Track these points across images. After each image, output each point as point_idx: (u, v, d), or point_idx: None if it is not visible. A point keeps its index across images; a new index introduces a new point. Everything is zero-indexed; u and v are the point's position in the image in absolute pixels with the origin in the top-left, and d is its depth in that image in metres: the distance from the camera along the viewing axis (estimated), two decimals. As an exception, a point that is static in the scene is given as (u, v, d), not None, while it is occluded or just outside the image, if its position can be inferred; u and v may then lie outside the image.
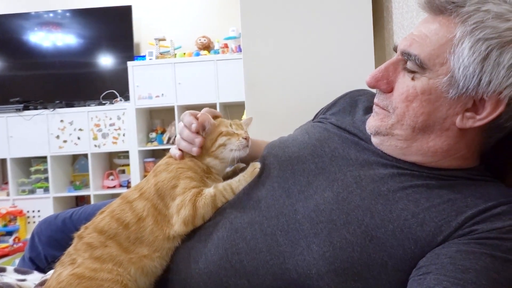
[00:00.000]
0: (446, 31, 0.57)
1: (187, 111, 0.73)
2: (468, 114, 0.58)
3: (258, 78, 1.20)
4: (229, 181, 0.68)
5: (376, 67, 1.16)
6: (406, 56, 0.60)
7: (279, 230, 0.60)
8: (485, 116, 0.56)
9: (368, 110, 0.77)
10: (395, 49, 0.65)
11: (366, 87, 0.84)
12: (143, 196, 0.65)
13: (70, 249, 0.64)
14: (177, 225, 0.63)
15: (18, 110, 3.44)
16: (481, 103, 0.57)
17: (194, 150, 0.69)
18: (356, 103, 0.82)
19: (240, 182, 0.67)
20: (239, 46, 3.45)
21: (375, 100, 0.67)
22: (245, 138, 0.70)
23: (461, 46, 0.55)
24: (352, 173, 0.64)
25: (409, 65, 0.60)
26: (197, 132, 0.70)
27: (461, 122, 0.58)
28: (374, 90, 0.84)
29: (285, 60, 1.19)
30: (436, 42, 0.57)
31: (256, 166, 0.68)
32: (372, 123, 0.67)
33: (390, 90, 0.63)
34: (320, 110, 0.90)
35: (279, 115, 1.19)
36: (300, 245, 0.58)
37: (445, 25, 0.57)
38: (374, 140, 0.68)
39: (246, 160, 0.80)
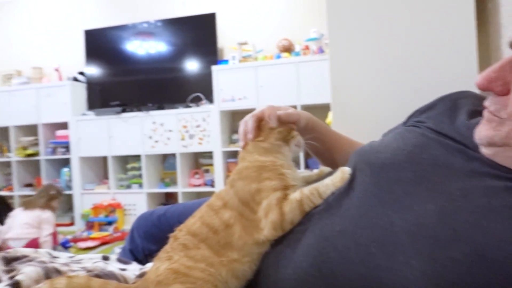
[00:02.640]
0: None
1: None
2: None
3: (346, 79, 1.16)
4: (315, 185, 0.66)
5: (479, 66, 1.05)
6: (527, 52, 0.53)
7: (374, 241, 0.57)
8: None
9: (473, 115, 0.69)
10: (511, 45, 0.58)
11: (468, 89, 0.76)
12: (227, 206, 0.66)
13: (167, 247, 0.67)
14: (267, 229, 0.63)
15: (117, 112, 3.81)
16: None
17: (249, 136, 0.73)
18: (458, 107, 0.74)
19: (327, 186, 0.65)
20: (321, 47, 3.39)
21: (486, 104, 0.60)
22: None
23: None
24: (458, 184, 0.58)
25: (531, 63, 0.52)
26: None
27: None
28: (477, 91, 0.76)
29: (375, 60, 1.13)
30: None
31: (345, 172, 0.66)
32: (483, 132, 0.59)
33: (506, 92, 0.55)
34: (413, 113, 0.83)
35: (368, 119, 1.13)
36: (397, 260, 0.54)
37: None
38: (486, 151, 0.60)
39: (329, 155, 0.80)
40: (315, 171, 0.78)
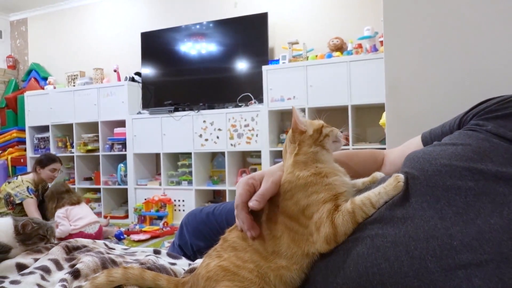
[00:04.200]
0: None
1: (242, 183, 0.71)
2: None
3: (401, 79, 1.11)
4: (367, 194, 0.62)
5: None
6: None
7: (430, 255, 0.53)
8: None
9: None
10: None
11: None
12: (272, 220, 0.65)
13: (217, 246, 0.68)
14: (319, 243, 0.61)
15: (170, 111, 3.95)
16: None
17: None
18: None
19: (380, 195, 0.61)
20: (374, 45, 3.28)
21: None
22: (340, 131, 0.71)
23: None
24: None
25: None
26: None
27: None
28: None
29: (432, 60, 1.06)
30: None
31: (400, 179, 0.61)
32: None
33: None
34: (467, 115, 0.76)
35: (424, 121, 1.07)
36: (457, 276, 0.50)
37: None
38: None
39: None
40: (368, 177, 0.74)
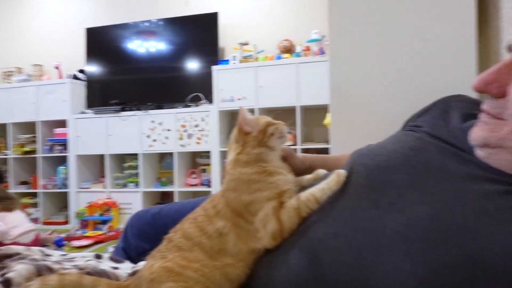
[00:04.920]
0: None
1: None
2: None
3: (345, 81, 1.15)
4: (312, 190, 0.64)
5: (478, 69, 1.05)
6: (525, 56, 0.52)
7: (366, 244, 0.56)
8: None
9: (466, 118, 0.69)
10: (509, 49, 0.57)
11: (467, 92, 0.76)
12: (220, 216, 0.64)
13: (161, 247, 0.67)
14: (265, 239, 0.62)
15: (116, 111, 3.80)
16: None
17: None
18: (451, 110, 0.74)
19: (324, 191, 0.64)
20: (321, 48, 3.39)
21: (484, 107, 0.59)
22: (285, 124, 0.72)
23: None
24: (451, 187, 0.57)
25: (529, 66, 0.52)
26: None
27: None
28: (476, 96, 0.76)
29: (375, 63, 1.12)
30: None
31: (341, 175, 0.65)
32: (479, 133, 0.59)
33: (502, 94, 0.55)
34: (410, 117, 0.83)
35: (367, 121, 1.12)
36: (389, 262, 0.53)
37: None
38: (480, 153, 0.60)
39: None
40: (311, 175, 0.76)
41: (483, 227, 0.51)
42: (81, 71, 4.21)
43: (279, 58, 3.52)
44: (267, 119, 0.71)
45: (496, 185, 0.56)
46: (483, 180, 0.57)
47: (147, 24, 4.02)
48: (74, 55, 4.32)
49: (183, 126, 3.63)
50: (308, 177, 0.74)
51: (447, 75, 1.06)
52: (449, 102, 0.77)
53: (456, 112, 0.73)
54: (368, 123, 1.12)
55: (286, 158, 0.78)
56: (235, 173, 0.66)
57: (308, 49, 3.48)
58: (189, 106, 3.70)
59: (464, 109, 0.73)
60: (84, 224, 3.67)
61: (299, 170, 0.83)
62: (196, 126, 3.60)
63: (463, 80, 1.00)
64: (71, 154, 3.94)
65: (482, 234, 0.51)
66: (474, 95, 0.74)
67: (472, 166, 0.60)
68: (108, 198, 3.77)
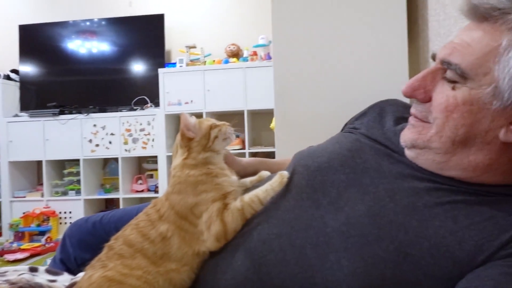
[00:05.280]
0: (490, 39, 0.54)
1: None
2: None
3: (288, 86, 1.19)
4: (255, 192, 0.66)
5: (410, 76, 1.13)
6: (446, 65, 0.58)
7: (308, 243, 0.58)
8: None
9: (399, 121, 0.75)
10: (433, 58, 0.63)
11: (399, 97, 0.81)
12: (163, 219, 0.64)
13: (101, 255, 0.64)
14: (210, 241, 0.62)
15: (54, 114, 3.58)
16: None
17: None
18: (385, 114, 0.79)
19: (267, 192, 0.65)
20: (268, 54, 3.45)
21: (412, 111, 0.64)
22: (229, 125, 0.73)
23: (507, 55, 0.52)
24: (385, 186, 0.61)
25: (449, 74, 0.57)
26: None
27: (505, 135, 0.55)
28: (408, 101, 0.81)
29: (316, 68, 1.17)
30: (479, 51, 0.54)
31: (284, 176, 0.67)
32: (408, 135, 0.64)
33: (427, 100, 0.60)
34: (349, 120, 0.88)
35: (309, 124, 1.17)
36: (329, 259, 0.56)
37: (490, 32, 0.54)
38: (409, 153, 0.65)
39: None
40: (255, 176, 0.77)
41: (413, 223, 0.56)
42: (14, 71, 3.91)
43: (226, 62, 3.53)
44: (210, 121, 0.72)
45: (424, 183, 0.60)
46: (412, 178, 0.62)
47: (88, 23, 3.84)
48: (6, 54, 4.00)
49: (128, 130, 3.51)
50: (252, 179, 0.76)
51: (382, 81, 1.13)
52: (384, 106, 0.82)
53: (390, 115, 0.78)
54: (310, 126, 1.16)
55: (226, 163, 0.79)
56: (182, 175, 0.66)
57: (255, 54, 3.53)
58: (134, 110, 3.58)
59: (397, 113, 0.78)
60: (19, 236, 3.40)
61: (240, 175, 0.84)
62: (142, 130, 3.49)
63: (397, 85, 1.06)
64: (3, 161, 3.65)
65: (412, 230, 0.55)
66: (407, 100, 0.80)
67: (403, 165, 0.64)
68: (46, 207, 3.53)
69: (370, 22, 1.15)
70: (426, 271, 0.52)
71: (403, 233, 0.55)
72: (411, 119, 0.65)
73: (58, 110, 3.59)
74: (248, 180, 0.75)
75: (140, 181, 3.65)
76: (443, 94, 0.58)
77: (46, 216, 3.46)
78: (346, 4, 1.16)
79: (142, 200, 3.61)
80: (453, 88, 0.57)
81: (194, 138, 0.68)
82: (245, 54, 3.57)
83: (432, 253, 0.53)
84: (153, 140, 3.47)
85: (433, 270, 0.52)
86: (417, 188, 0.60)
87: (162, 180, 3.44)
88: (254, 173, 0.81)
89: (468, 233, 0.53)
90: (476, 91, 0.55)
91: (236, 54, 3.63)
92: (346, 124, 0.89)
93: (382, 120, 0.77)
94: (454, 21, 0.96)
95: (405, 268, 0.53)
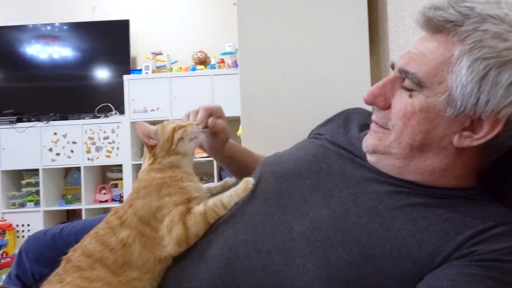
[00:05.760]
0: (444, 49, 0.57)
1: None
2: (465, 133, 0.57)
3: (254, 93, 1.20)
4: (219, 196, 0.66)
5: (372, 84, 1.16)
6: (404, 74, 0.60)
7: (274, 248, 0.59)
8: (482, 135, 0.56)
9: (363, 128, 0.77)
10: (392, 67, 0.65)
11: (362, 104, 0.84)
12: (124, 225, 0.62)
13: (59, 269, 0.61)
14: (170, 245, 0.61)
15: (11, 122, 3.41)
16: (478, 122, 0.56)
17: None
18: (350, 121, 0.81)
19: (231, 197, 0.65)
20: (236, 61, 3.47)
21: (373, 118, 0.66)
22: (197, 124, 0.72)
23: (459, 65, 0.55)
24: (348, 190, 0.63)
25: (407, 83, 0.60)
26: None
27: (459, 141, 0.57)
28: (370, 108, 0.84)
29: (282, 76, 1.19)
30: (434, 61, 0.57)
31: (249, 182, 0.67)
32: (369, 141, 0.66)
33: (387, 107, 0.62)
34: (316, 127, 0.89)
35: (275, 131, 1.18)
36: (295, 264, 0.56)
37: (444, 43, 0.57)
38: (370, 158, 0.67)
39: (242, 173, 0.79)
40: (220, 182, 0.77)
41: (375, 226, 0.57)
42: (-33, 76, 3.71)
43: (193, 69, 3.51)
44: (175, 124, 0.71)
45: (385, 186, 0.62)
46: (374, 182, 0.63)
47: (49, 28, 3.70)
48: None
49: (91, 138, 3.40)
50: (216, 185, 0.75)
51: (346, 89, 1.17)
52: (350, 114, 0.84)
53: (355, 122, 0.80)
54: (277, 133, 1.17)
55: (217, 133, 0.79)
56: (148, 178, 0.66)
57: (222, 61, 3.53)
58: (98, 117, 3.47)
59: (362, 120, 0.80)
60: (-29, 252, 3.20)
61: (220, 153, 0.84)
62: (106, 138, 3.39)
63: (359, 93, 1.10)
64: (-47, 172, 3.42)
65: (375, 232, 0.56)
66: (371, 108, 0.83)
67: (365, 170, 0.66)
68: (1, 220, 3.35)
69: (334, 33, 1.19)
70: (389, 273, 0.54)
71: (366, 236, 0.56)
72: (372, 125, 0.67)
73: (15, 117, 3.43)
74: (213, 186, 0.75)
75: (104, 191, 3.53)
76: (401, 101, 0.60)
77: (2, 230, 3.27)
78: (311, 14, 1.19)
79: (106, 210, 3.49)
80: (411, 96, 0.59)
81: (158, 144, 0.68)
82: (213, 61, 3.57)
83: (393, 255, 0.54)
84: (117, 149, 3.38)
85: (394, 272, 0.53)
86: (379, 192, 0.61)
87: (128, 189, 3.35)
88: (229, 157, 0.83)
89: (427, 234, 0.55)
90: (432, 99, 0.57)
91: (203, 61, 3.62)
92: (312, 131, 0.90)
93: (347, 127, 0.79)
94: (412, 32, 1.00)
95: (368, 271, 0.54)
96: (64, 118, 3.49)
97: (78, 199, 3.51)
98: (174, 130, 0.69)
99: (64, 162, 3.41)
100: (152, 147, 0.68)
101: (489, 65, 0.53)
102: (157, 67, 3.54)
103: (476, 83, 0.53)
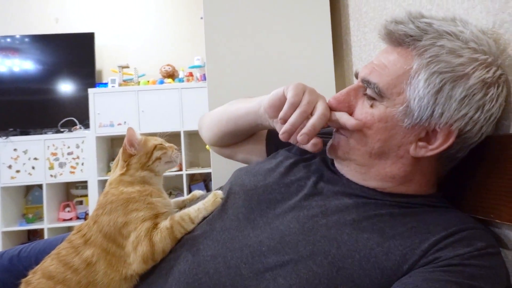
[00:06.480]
0: (404, 62, 0.59)
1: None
2: (421, 143, 0.60)
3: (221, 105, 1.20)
4: (186, 210, 0.65)
5: (337, 96, 1.20)
6: (366, 83, 0.62)
7: (243, 262, 0.58)
8: (436, 146, 0.58)
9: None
10: (356, 76, 0.67)
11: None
12: (88, 243, 0.60)
13: None
14: (136, 263, 0.59)
15: (-34, 138, 3.23)
16: (433, 133, 0.59)
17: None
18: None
19: (199, 211, 0.64)
20: (204, 75, 3.47)
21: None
22: (177, 149, 0.72)
23: (417, 78, 0.57)
24: (317, 202, 0.63)
25: (369, 92, 0.62)
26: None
27: (414, 151, 0.60)
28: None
29: (249, 89, 1.20)
30: (394, 72, 0.59)
31: (218, 196, 0.66)
32: (331, 147, 0.68)
33: (350, 114, 0.64)
34: None
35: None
36: (265, 278, 0.56)
37: (403, 56, 0.60)
38: (336, 164, 0.68)
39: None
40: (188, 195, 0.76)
41: (344, 237, 0.58)
42: None
43: (161, 82, 3.47)
44: (158, 141, 0.70)
45: (352, 198, 0.63)
46: (342, 195, 0.64)
47: (9, 40, 3.56)
48: None
49: (54, 154, 3.26)
50: (184, 198, 0.74)
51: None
52: None
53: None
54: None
55: None
56: (115, 193, 0.63)
57: (191, 74, 3.52)
58: (61, 132, 3.35)
59: (331, 128, 0.82)
60: None
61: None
62: (70, 153, 3.27)
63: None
64: None
65: (344, 243, 0.57)
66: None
67: (333, 182, 0.67)
68: (-46, 243, 3.13)
69: (300, 46, 1.22)
70: (358, 283, 0.54)
71: (335, 247, 0.56)
72: (334, 133, 0.68)
73: (-29, 133, 3.25)
74: (181, 199, 0.74)
75: (68, 209, 3.39)
76: (362, 110, 0.62)
77: (-45, 253, 3.05)
78: (277, 28, 1.22)
79: (70, 229, 3.33)
80: (372, 106, 0.61)
81: (135, 155, 0.66)
82: (181, 75, 3.55)
83: (362, 265, 0.55)
84: (82, 164, 3.27)
85: (364, 282, 0.54)
86: (347, 204, 0.62)
87: (93, 206, 3.23)
88: None
89: (394, 243, 0.56)
90: (391, 109, 0.59)
91: (171, 74, 3.59)
92: (281, 143, 0.90)
93: None
94: (373, 46, 1.04)
95: (338, 282, 0.54)
96: (25, 133, 3.34)
97: (40, 218, 3.35)
98: (155, 148, 0.68)
99: (24, 179, 3.25)
100: (129, 156, 0.66)
101: (444, 79, 0.55)
102: (124, 81, 3.48)
103: (432, 95, 0.56)
